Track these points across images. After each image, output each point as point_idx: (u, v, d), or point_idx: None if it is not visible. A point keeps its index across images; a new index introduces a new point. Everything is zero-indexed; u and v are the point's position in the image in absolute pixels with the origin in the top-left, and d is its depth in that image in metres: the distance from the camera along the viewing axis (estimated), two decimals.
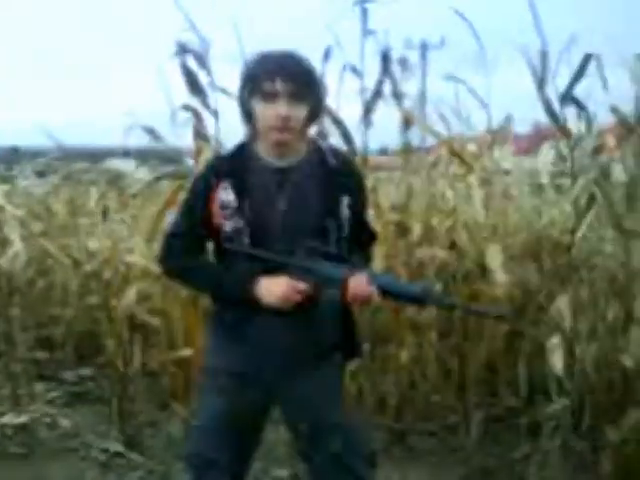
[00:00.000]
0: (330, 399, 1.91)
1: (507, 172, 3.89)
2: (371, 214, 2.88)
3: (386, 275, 2.00)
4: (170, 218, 1.96)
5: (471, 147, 3.42)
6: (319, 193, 1.81)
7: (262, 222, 1.80)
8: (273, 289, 1.76)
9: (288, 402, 1.91)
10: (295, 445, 2.06)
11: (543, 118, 2.86)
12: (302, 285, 1.75)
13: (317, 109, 1.86)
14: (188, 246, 1.89)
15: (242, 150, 1.88)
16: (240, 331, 1.85)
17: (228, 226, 1.80)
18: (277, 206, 1.80)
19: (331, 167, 1.84)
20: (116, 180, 4.68)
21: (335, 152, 1.92)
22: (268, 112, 1.75)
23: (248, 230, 1.79)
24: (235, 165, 1.84)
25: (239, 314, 1.85)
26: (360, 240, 1.94)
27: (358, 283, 1.73)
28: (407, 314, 3.27)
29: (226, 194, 1.80)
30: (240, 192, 1.80)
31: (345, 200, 1.83)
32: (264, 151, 1.84)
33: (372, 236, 2.03)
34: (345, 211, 1.83)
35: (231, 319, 1.87)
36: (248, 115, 1.84)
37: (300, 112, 1.77)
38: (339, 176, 1.84)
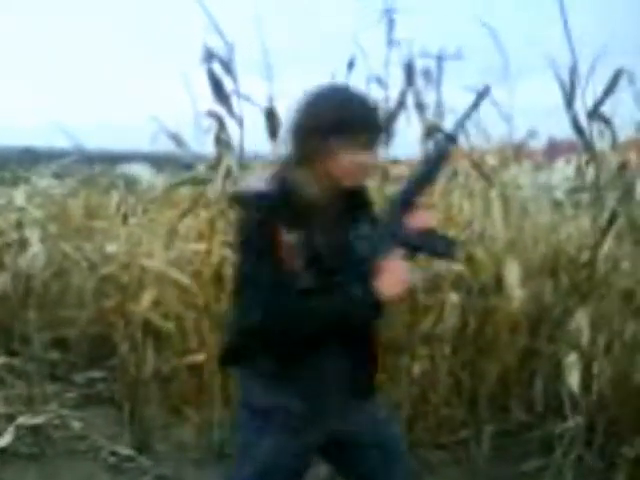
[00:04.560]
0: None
1: (520, 187, 3.89)
2: None
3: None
4: None
5: (490, 160, 3.42)
6: None
7: None
8: (392, 277, 1.69)
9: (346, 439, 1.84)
10: None
11: (559, 132, 2.87)
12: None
13: None
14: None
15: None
16: (294, 373, 1.73)
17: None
18: None
19: None
20: (134, 185, 4.69)
21: None
22: (362, 160, 1.68)
23: None
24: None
25: (288, 357, 1.72)
26: None
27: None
28: (421, 327, 3.27)
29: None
30: None
31: None
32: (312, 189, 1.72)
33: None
34: None
35: (278, 363, 1.73)
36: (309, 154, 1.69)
37: None
38: None
